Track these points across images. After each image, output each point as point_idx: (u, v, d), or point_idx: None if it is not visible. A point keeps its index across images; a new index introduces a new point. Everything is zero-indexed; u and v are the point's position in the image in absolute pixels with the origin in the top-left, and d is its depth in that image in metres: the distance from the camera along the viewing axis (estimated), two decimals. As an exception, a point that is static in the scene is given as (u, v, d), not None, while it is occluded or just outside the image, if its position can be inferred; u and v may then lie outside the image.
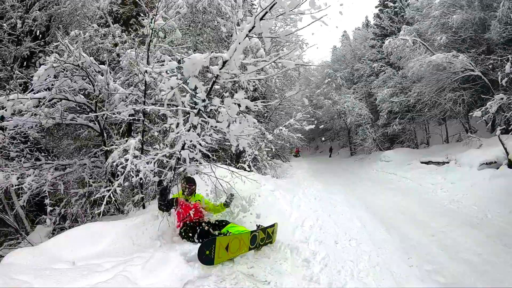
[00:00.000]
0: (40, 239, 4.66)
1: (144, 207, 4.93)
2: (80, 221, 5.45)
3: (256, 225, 3.82)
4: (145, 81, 4.65)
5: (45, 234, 5.16)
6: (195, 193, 4.08)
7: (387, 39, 12.51)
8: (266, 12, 2.58)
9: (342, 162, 19.96)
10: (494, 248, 4.09)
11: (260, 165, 10.02)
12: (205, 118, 3.43)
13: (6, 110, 4.15)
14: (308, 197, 6.95)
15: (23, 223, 5.78)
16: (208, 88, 3.30)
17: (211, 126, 3.42)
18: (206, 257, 2.93)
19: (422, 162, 11.06)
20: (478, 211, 5.74)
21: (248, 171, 7.76)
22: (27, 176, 4.80)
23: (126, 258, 2.98)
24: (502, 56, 9.13)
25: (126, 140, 4.34)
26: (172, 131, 3.54)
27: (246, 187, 4.31)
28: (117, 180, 3.51)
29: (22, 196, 5.06)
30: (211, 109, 3.48)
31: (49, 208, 4.92)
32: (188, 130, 3.37)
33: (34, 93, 4.46)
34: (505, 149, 7.45)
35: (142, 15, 6.53)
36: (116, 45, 6.33)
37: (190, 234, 3.60)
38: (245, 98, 3.00)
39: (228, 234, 3.39)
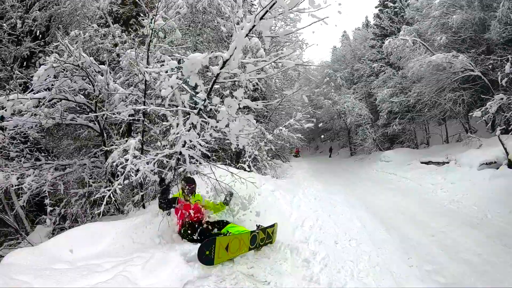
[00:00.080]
0: (40, 239, 4.66)
1: (144, 207, 4.93)
2: (80, 221, 5.45)
3: (256, 225, 3.82)
4: (145, 81, 4.65)
5: (45, 234, 5.16)
6: (195, 193, 4.09)
7: (387, 39, 12.52)
8: (267, 11, 2.59)
9: (342, 162, 19.96)
10: (494, 248, 4.09)
11: (260, 165, 10.02)
12: (205, 119, 3.43)
13: (6, 110, 4.15)
14: (308, 197, 6.94)
15: (23, 223, 5.78)
16: (209, 89, 3.30)
17: (211, 126, 3.42)
18: (206, 257, 2.93)
19: (422, 162, 11.06)
20: (478, 211, 5.74)
21: (248, 171, 7.76)
22: (27, 176, 4.79)
23: (126, 258, 2.97)
24: (502, 56, 9.12)
25: (126, 140, 4.34)
26: (172, 128, 3.55)
27: (246, 186, 4.31)
28: (117, 180, 3.51)
29: (22, 196, 5.06)
30: (211, 109, 3.49)
31: (49, 208, 4.92)
32: (189, 130, 3.37)
33: (34, 93, 4.46)
34: (505, 149, 7.45)
35: (142, 15, 6.54)
36: (116, 45, 6.33)
37: (190, 234, 3.60)
38: (245, 98, 3.01)
39: (228, 234, 3.39)
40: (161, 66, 4.24)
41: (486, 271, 3.50)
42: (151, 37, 4.72)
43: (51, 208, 5.03)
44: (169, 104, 3.89)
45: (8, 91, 4.78)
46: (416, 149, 14.87)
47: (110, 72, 5.23)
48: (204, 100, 3.31)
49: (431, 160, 10.70)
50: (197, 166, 4.05)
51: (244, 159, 8.54)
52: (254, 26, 2.67)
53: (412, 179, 9.72)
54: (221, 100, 3.11)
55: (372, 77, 18.04)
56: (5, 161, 5.12)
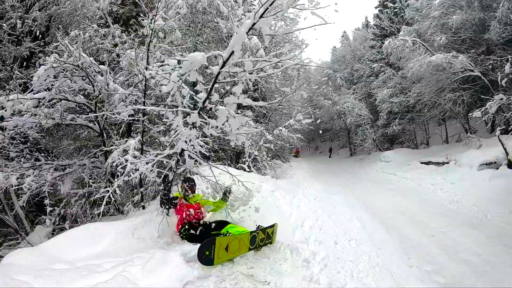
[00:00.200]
0: (40, 240, 4.66)
1: (143, 208, 4.92)
2: (80, 222, 5.45)
3: (256, 225, 3.82)
4: (145, 82, 4.65)
5: (44, 235, 5.16)
6: (195, 193, 4.09)
7: (386, 40, 12.52)
8: (267, 9, 2.60)
9: (341, 162, 19.97)
10: (494, 248, 4.10)
11: (260, 165, 10.02)
12: (206, 119, 3.45)
13: (6, 110, 4.15)
14: (308, 198, 6.94)
15: (22, 223, 5.77)
16: (209, 89, 3.30)
17: (212, 126, 3.44)
18: (205, 258, 2.93)
19: (422, 163, 11.06)
20: (478, 211, 5.74)
21: (248, 172, 7.76)
22: (26, 177, 4.79)
23: (126, 258, 2.97)
24: (502, 56, 9.13)
25: (126, 141, 4.34)
26: (172, 129, 3.56)
27: (249, 179, 4.34)
28: (117, 180, 3.51)
29: (21, 197, 5.06)
30: (211, 108, 3.49)
31: (48, 209, 4.92)
32: (190, 129, 3.39)
33: (34, 93, 4.46)
34: (505, 149, 7.45)
35: (142, 15, 6.54)
36: (116, 45, 6.33)
37: (190, 234, 3.60)
38: (246, 97, 3.02)
39: (227, 235, 3.39)
40: (160, 66, 4.24)
41: (486, 271, 3.50)
42: (151, 37, 4.72)
43: (51, 209, 5.03)
44: (168, 105, 3.89)
45: (8, 91, 4.77)
46: (416, 149, 14.87)
47: (110, 72, 5.22)
48: (204, 100, 3.32)
49: (431, 161, 10.70)
50: (197, 166, 4.06)
51: (244, 160, 8.54)
52: (254, 24, 2.68)
53: (412, 179, 9.72)
54: (221, 99, 3.12)
55: (372, 78, 18.04)
56: (5, 161, 5.12)
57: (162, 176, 3.73)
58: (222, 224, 3.78)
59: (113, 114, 4.56)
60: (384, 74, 15.91)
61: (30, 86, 4.54)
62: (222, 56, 2.97)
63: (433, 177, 9.03)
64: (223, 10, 7.08)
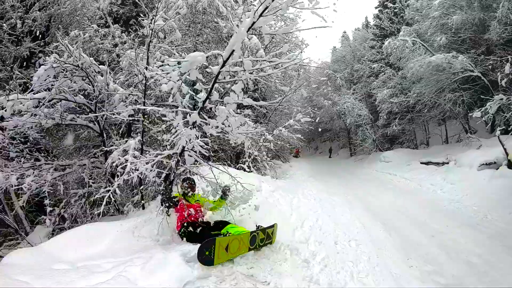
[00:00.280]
0: (40, 240, 4.66)
1: (143, 208, 4.92)
2: (80, 222, 5.45)
3: (256, 225, 3.82)
4: (145, 82, 4.65)
5: (44, 235, 5.16)
6: (195, 193, 4.09)
7: (386, 40, 12.50)
8: (266, 7, 2.61)
9: (341, 162, 19.98)
10: (494, 248, 4.10)
11: (259, 165, 10.01)
12: (206, 119, 3.45)
13: (5, 110, 4.15)
14: (308, 198, 6.94)
15: (22, 223, 5.77)
16: (209, 89, 3.31)
17: (211, 126, 3.44)
18: (205, 258, 2.92)
19: (421, 163, 11.07)
20: (478, 211, 5.74)
21: (248, 172, 7.76)
22: (26, 177, 4.78)
23: (126, 258, 2.97)
24: (502, 56, 9.12)
25: (126, 141, 4.34)
26: (173, 127, 3.57)
27: (247, 181, 4.35)
28: (117, 180, 3.51)
29: (21, 197, 5.06)
30: (210, 108, 3.50)
31: (48, 209, 4.92)
32: (190, 129, 3.39)
33: (34, 94, 4.45)
34: (505, 149, 7.45)
35: (142, 15, 6.54)
36: (116, 45, 6.33)
37: (190, 235, 3.60)
38: (246, 97, 3.03)
39: (227, 235, 3.39)
40: (160, 66, 4.25)
41: (486, 271, 3.50)
42: (151, 38, 4.72)
43: (51, 209, 5.03)
44: (168, 105, 3.90)
45: (8, 91, 4.78)
46: (415, 149, 14.87)
47: (110, 73, 5.22)
48: (204, 100, 3.33)
49: (431, 161, 10.70)
50: (197, 166, 4.07)
51: (244, 160, 8.54)
52: (254, 23, 2.68)
53: (412, 179, 9.72)
54: (221, 99, 3.12)
55: (372, 78, 18.03)
56: (5, 161, 5.11)
57: (164, 175, 3.74)
58: (222, 224, 3.78)
59: (113, 114, 4.56)
60: (384, 74, 15.91)
61: (30, 86, 4.54)
62: (222, 56, 2.98)
63: (433, 177, 9.03)
64: (222, 10, 7.08)
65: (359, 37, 24.04)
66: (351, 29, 38.83)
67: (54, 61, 4.32)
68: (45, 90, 4.56)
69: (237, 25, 2.91)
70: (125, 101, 5.13)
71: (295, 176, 12.45)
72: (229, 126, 3.37)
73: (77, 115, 5.22)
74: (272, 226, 3.78)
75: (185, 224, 3.68)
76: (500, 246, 4.17)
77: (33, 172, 4.93)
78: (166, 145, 3.78)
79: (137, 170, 3.51)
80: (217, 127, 3.43)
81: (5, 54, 7.11)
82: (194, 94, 3.61)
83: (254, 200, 4.50)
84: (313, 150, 34.30)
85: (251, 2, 11.59)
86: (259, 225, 3.78)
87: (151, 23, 4.69)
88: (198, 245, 3.00)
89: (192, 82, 3.72)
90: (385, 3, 17.47)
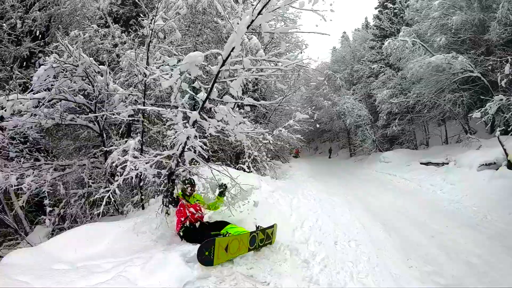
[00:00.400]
0: (40, 240, 4.66)
1: (143, 208, 4.92)
2: (79, 222, 5.45)
3: (256, 226, 3.81)
4: (145, 82, 4.65)
5: (44, 235, 5.16)
6: (194, 192, 4.09)
7: (386, 40, 12.51)
8: (265, 5, 2.61)
9: (341, 163, 19.98)
10: (494, 249, 4.10)
11: (259, 166, 10.01)
12: (206, 119, 3.45)
13: (5, 110, 4.15)
14: (307, 198, 6.94)
15: (22, 223, 5.77)
16: (209, 89, 3.31)
17: (210, 126, 3.45)
18: (205, 258, 2.92)
19: (421, 163, 11.06)
20: (477, 212, 5.74)
21: (248, 172, 7.76)
22: (26, 177, 4.79)
23: (126, 258, 2.97)
24: (502, 57, 9.12)
25: (126, 141, 4.34)
26: (175, 124, 3.58)
27: (247, 181, 4.36)
28: (117, 180, 3.51)
29: (21, 197, 5.05)
30: (210, 108, 3.50)
31: (48, 209, 4.92)
32: (192, 127, 3.41)
33: (33, 94, 4.46)
34: (504, 150, 7.45)
35: (142, 15, 6.54)
36: (116, 45, 6.33)
37: (190, 235, 3.60)
38: (247, 97, 3.03)
39: (227, 235, 3.39)
40: (160, 66, 4.25)
41: (485, 272, 3.50)
42: (150, 38, 4.73)
43: (51, 209, 5.03)
44: (168, 105, 3.91)
45: (8, 91, 4.77)
46: (415, 150, 14.87)
47: (110, 73, 5.22)
48: (204, 100, 3.33)
49: (431, 161, 10.70)
50: (196, 167, 4.07)
51: (243, 160, 8.53)
52: (253, 21, 2.69)
53: (412, 180, 9.72)
54: (220, 99, 3.13)
55: (372, 78, 18.04)
56: (5, 161, 5.11)
57: (167, 175, 3.75)
58: (221, 224, 3.77)
59: (113, 114, 4.56)
60: (384, 74, 15.92)
61: (30, 86, 4.54)
62: (221, 55, 2.98)
63: (433, 177, 9.02)
64: (219, 10, 7.09)
65: (359, 37, 24.06)
66: (351, 30, 38.96)
67: (54, 61, 4.32)
68: (45, 90, 4.56)
69: (238, 23, 2.91)
70: (125, 101, 5.13)
71: (295, 176, 12.44)
72: (228, 123, 3.38)
73: (77, 115, 5.23)
74: (272, 226, 3.77)
75: (185, 224, 3.68)
76: (500, 246, 4.17)
77: (33, 172, 4.93)
78: (166, 146, 3.78)
79: (137, 169, 3.52)
80: (218, 125, 3.43)
81: (5, 54, 7.11)
82: (194, 94, 3.61)
83: (253, 196, 4.49)
84: (313, 151, 34.30)
85: (251, 2, 11.62)
86: (258, 226, 3.78)
87: (151, 23, 4.69)
88: (198, 245, 3.00)
89: (192, 80, 3.73)
90: (385, 3, 17.48)
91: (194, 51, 8.25)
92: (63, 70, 4.60)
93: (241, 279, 2.90)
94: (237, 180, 4.03)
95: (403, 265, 3.68)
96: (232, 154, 10.47)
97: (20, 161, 5.15)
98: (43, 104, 4.50)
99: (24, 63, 7.34)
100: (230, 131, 3.43)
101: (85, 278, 2.44)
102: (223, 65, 3.01)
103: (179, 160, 3.70)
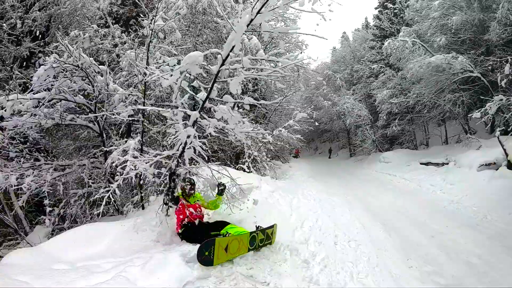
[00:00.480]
0: (39, 240, 4.66)
1: (143, 208, 4.92)
2: (79, 222, 5.45)
3: (256, 226, 3.81)
4: (145, 82, 4.65)
5: (44, 235, 5.15)
6: (194, 192, 4.10)
7: (386, 40, 12.51)
8: (264, 4, 2.62)
9: (341, 163, 19.98)
10: (494, 249, 4.10)
11: (259, 166, 10.01)
12: (207, 119, 3.46)
13: (5, 110, 4.15)
14: (307, 198, 6.94)
15: (22, 223, 5.77)
16: (209, 89, 3.31)
17: (210, 126, 3.45)
18: (205, 258, 2.92)
19: (421, 163, 11.06)
20: (477, 212, 5.74)
21: (248, 172, 7.76)
22: (26, 177, 4.78)
23: (126, 258, 2.97)
24: (502, 57, 9.12)
25: (126, 141, 4.34)
26: (174, 124, 3.58)
27: (247, 182, 4.37)
28: (117, 180, 3.51)
29: (21, 197, 5.05)
30: (209, 109, 3.50)
31: (48, 209, 4.92)
32: (192, 126, 3.41)
33: (33, 94, 4.45)
34: (504, 150, 7.45)
35: (142, 15, 6.54)
36: (116, 45, 6.33)
37: (190, 235, 3.60)
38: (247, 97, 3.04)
39: (227, 235, 3.39)
40: (160, 66, 4.25)
41: (485, 272, 3.50)
42: (150, 38, 4.73)
43: (50, 209, 5.03)
44: (168, 105, 3.91)
45: (7, 91, 4.77)
46: (415, 150, 14.86)
47: (110, 73, 5.22)
48: (204, 100, 3.33)
49: (431, 161, 10.70)
50: (196, 167, 4.08)
51: (243, 160, 8.53)
52: (252, 19, 2.70)
53: (412, 180, 9.72)
54: (220, 98, 3.13)
55: (372, 78, 18.06)
56: (5, 161, 5.11)
57: (168, 175, 3.76)
58: (221, 224, 3.78)
59: (113, 114, 4.56)
60: (384, 75, 15.93)
61: (30, 86, 4.54)
62: (221, 54, 2.98)
63: (433, 177, 9.02)
64: (218, 10, 7.09)
65: (359, 37, 24.07)
66: (351, 30, 38.99)
67: (54, 61, 4.32)
68: (45, 90, 4.56)
69: (238, 21, 2.91)
70: (125, 101, 5.13)
71: (295, 176, 12.44)
72: (227, 122, 3.38)
73: (77, 115, 5.22)
74: (272, 226, 3.78)
75: (185, 224, 3.68)
76: (500, 246, 4.17)
77: (33, 172, 4.93)
78: (166, 146, 3.79)
79: (137, 169, 3.52)
80: (218, 125, 3.44)
81: (5, 54, 7.11)
82: (194, 94, 3.61)
83: (253, 195, 4.49)
84: (313, 151, 34.31)
85: (251, 1, 11.62)
86: (258, 226, 3.78)
87: (151, 23, 4.69)
88: (198, 245, 3.00)
89: (191, 80, 3.73)
90: (385, 3, 17.50)
91: (194, 51, 8.27)
92: (63, 70, 4.60)
93: (241, 279, 2.90)
94: (237, 181, 4.03)
95: (403, 265, 3.68)
96: (232, 154, 10.46)
97: (20, 161, 5.15)
98: (43, 104, 4.50)
99: (24, 63, 7.34)
100: (230, 130, 3.44)
101: (85, 278, 2.44)
102: (222, 64, 3.02)
103: (179, 160, 3.70)
